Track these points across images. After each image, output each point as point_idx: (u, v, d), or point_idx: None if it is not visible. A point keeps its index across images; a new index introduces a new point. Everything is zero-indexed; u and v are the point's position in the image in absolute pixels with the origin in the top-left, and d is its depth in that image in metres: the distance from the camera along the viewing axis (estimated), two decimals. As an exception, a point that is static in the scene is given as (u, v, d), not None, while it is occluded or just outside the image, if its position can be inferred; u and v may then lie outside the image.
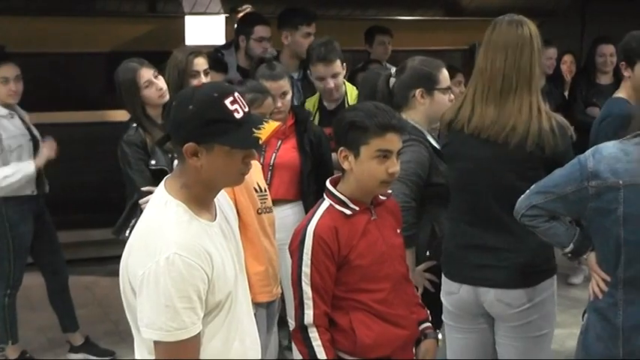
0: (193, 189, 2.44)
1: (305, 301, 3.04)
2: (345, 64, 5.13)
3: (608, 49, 7.22)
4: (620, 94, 4.39)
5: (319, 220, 3.07)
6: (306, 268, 3.03)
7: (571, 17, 9.79)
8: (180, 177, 2.46)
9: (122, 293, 2.43)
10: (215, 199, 2.56)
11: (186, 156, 2.38)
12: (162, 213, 2.41)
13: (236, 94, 2.40)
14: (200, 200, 2.47)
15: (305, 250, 3.03)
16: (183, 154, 2.39)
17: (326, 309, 3.06)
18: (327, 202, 3.14)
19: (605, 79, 7.26)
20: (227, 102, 2.36)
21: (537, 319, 3.54)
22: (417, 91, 3.89)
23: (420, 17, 9.45)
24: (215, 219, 2.52)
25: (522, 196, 3.21)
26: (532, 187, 3.20)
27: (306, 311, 3.04)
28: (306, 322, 3.04)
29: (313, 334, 3.04)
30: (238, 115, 2.37)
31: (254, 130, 2.39)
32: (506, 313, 3.54)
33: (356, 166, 3.06)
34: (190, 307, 2.32)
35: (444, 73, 3.97)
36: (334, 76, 5.04)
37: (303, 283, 3.04)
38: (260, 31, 6.12)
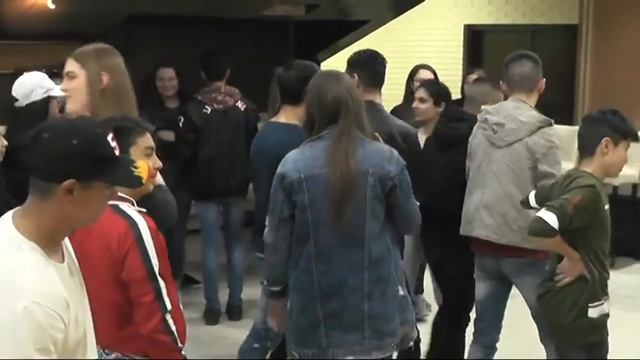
0: (51, 228, 2.27)
1: None
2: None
3: (169, 72, 7.05)
4: None
5: None
6: None
7: (119, 40, 9.64)
8: (37, 215, 2.26)
9: None
10: None
11: (61, 192, 2.21)
12: (15, 257, 2.21)
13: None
14: (54, 240, 2.31)
15: None
16: (48, 190, 2.22)
17: None
18: None
19: (171, 103, 7.14)
20: (109, 138, 2.30)
21: None
22: None
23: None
24: (64, 259, 2.36)
25: None
26: None
27: None
28: None
29: None
30: (117, 153, 2.32)
31: (132, 168, 2.34)
32: None
33: None
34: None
35: None
36: None
37: None
38: None
